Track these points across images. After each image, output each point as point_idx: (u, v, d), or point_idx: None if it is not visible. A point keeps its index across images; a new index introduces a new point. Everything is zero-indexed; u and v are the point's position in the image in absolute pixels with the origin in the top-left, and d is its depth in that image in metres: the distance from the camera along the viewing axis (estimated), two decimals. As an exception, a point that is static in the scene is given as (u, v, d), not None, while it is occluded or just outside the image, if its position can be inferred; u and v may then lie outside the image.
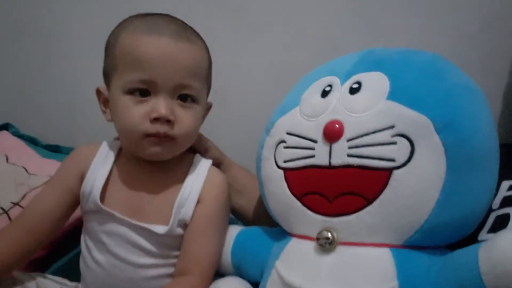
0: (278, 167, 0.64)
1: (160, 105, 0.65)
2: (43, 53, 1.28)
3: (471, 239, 0.59)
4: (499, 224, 0.59)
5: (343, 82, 0.61)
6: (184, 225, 0.70)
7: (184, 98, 0.68)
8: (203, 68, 0.71)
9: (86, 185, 0.71)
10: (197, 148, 0.79)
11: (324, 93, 0.62)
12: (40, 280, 0.72)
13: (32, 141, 1.19)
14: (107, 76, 0.71)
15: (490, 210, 0.61)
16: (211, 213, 0.71)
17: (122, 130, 0.70)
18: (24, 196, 0.92)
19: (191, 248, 0.70)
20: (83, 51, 1.24)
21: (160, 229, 0.68)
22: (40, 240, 0.71)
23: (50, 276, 0.75)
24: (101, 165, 0.72)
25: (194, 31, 0.72)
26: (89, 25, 1.22)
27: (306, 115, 0.63)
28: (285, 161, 0.63)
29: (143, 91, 0.66)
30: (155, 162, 0.71)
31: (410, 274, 0.53)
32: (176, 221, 0.69)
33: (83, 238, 0.74)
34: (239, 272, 0.71)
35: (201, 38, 0.72)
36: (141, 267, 0.69)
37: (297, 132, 0.63)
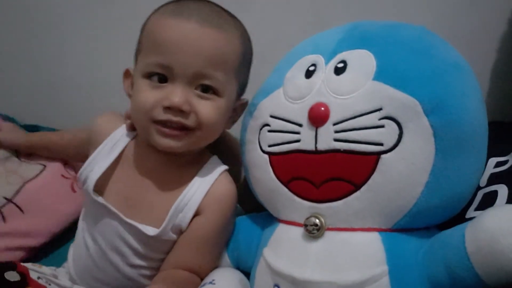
0: (263, 151, 0.62)
1: (174, 93, 0.60)
2: (22, 30, 1.23)
3: (459, 217, 0.58)
4: (487, 202, 0.59)
5: (327, 61, 0.59)
6: (180, 231, 0.66)
7: (205, 89, 0.63)
8: (231, 60, 0.64)
9: (82, 173, 0.68)
10: None
11: (308, 73, 0.60)
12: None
13: (9, 121, 1.16)
14: (135, 58, 0.68)
15: (478, 188, 0.61)
16: (211, 229, 0.67)
17: (133, 115, 0.67)
18: (17, 191, 0.86)
19: (183, 259, 0.67)
20: (64, 29, 1.20)
21: (150, 230, 0.65)
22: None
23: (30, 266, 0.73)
24: (104, 155, 0.68)
25: (233, 19, 0.67)
26: (71, 2, 1.18)
27: (290, 97, 0.60)
28: (269, 146, 0.61)
29: (161, 77, 0.62)
30: (168, 153, 0.66)
31: (400, 258, 0.53)
32: (170, 225, 0.65)
33: (81, 216, 0.72)
34: (239, 266, 0.70)
35: (239, 29, 0.66)
36: (127, 265, 0.67)
37: (281, 116, 0.60)
